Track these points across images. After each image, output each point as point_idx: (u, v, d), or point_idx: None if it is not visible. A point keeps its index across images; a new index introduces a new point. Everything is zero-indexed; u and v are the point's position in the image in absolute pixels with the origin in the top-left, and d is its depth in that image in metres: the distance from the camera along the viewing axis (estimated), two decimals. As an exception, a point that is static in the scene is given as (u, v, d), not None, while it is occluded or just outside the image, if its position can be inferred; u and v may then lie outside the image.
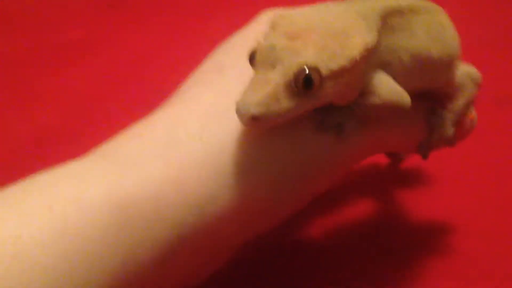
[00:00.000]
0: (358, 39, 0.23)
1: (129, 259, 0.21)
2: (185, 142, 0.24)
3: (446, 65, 0.28)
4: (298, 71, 0.21)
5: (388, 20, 0.25)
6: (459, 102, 0.30)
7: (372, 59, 0.24)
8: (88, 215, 0.21)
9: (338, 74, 0.22)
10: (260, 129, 0.23)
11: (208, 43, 0.33)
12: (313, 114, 0.25)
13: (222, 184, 0.23)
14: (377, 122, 0.27)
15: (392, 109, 0.25)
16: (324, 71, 0.21)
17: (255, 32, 0.29)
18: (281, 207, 0.26)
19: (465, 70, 0.30)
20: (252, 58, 0.23)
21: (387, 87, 0.25)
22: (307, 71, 0.21)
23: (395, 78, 0.25)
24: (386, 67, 0.25)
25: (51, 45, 0.70)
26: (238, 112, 0.21)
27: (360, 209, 0.41)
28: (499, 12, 0.71)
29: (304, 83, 0.21)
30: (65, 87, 0.59)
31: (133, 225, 0.21)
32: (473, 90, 0.30)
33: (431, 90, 0.29)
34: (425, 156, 0.30)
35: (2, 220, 0.20)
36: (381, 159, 0.43)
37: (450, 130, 0.30)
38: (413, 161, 0.42)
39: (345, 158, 0.26)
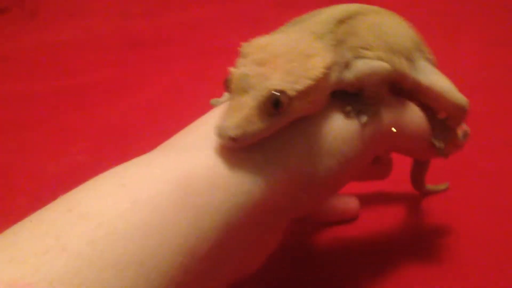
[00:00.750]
0: (318, 59, 0.26)
1: (195, 224, 0.24)
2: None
3: (396, 53, 0.31)
4: (268, 95, 0.24)
5: (340, 31, 0.28)
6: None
7: (338, 63, 0.28)
8: (156, 187, 0.24)
9: (304, 93, 0.25)
10: (238, 147, 0.26)
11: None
12: (340, 105, 0.29)
13: (270, 159, 0.26)
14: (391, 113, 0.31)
15: (377, 77, 0.29)
16: (290, 92, 0.25)
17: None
18: (322, 184, 0.29)
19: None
20: (227, 85, 0.26)
21: (362, 63, 0.29)
22: (275, 94, 0.24)
23: None
24: (351, 61, 0.29)
25: (76, 85, 0.74)
26: (218, 135, 0.24)
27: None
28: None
29: (274, 105, 0.25)
30: (91, 125, 0.62)
31: (195, 195, 0.24)
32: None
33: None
34: (444, 154, 0.33)
35: (86, 198, 0.23)
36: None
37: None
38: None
39: (370, 139, 0.30)
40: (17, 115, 0.66)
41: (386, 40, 0.31)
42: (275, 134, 0.27)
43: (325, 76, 0.26)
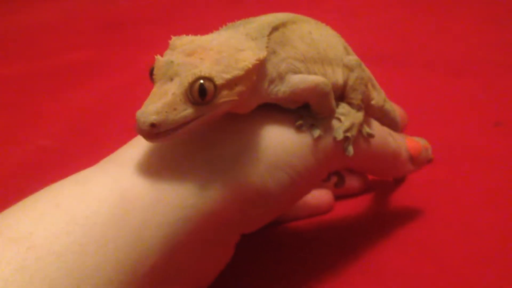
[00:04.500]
0: (249, 53, 0.25)
1: (137, 240, 0.23)
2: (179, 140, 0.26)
3: (328, 62, 0.31)
4: (193, 81, 0.23)
5: (273, 37, 0.28)
6: (346, 90, 0.32)
7: (270, 71, 0.27)
8: (93, 205, 0.23)
9: (232, 83, 0.24)
10: (162, 142, 0.25)
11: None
12: (292, 118, 0.28)
13: (216, 170, 0.26)
14: None
15: (317, 93, 0.28)
16: (217, 80, 0.23)
17: None
18: (272, 199, 0.28)
19: (343, 61, 0.32)
20: (151, 73, 0.25)
21: (299, 78, 0.28)
22: (201, 81, 0.23)
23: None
24: (285, 75, 0.28)
25: (50, 67, 0.71)
26: (138, 121, 0.22)
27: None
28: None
29: (199, 92, 0.23)
30: (64, 109, 0.60)
31: (137, 209, 0.23)
32: (351, 76, 0.32)
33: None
34: (349, 152, 0.30)
35: (17, 220, 0.22)
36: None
37: (357, 116, 0.31)
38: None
39: (323, 153, 0.29)
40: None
41: (318, 49, 0.30)
42: (220, 146, 0.26)
43: (256, 69, 0.26)
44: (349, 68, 0.32)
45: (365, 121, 0.32)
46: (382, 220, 0.40)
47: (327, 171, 0.31)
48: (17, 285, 0.20)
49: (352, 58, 0.32)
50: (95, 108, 0.60)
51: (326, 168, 0.31)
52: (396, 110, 0.38)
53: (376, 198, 0.43)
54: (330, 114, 0.29)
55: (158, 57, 0.24)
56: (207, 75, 0.23)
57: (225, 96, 0.24)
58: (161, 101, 0.23)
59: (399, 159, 0.35)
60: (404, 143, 0.36)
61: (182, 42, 0.25)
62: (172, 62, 0.24)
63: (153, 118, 0.22)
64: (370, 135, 0.32)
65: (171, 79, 0.23)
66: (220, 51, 0.25)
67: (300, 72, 0.28)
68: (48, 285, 0.20)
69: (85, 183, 0.24)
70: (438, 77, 0.62)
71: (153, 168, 0.25)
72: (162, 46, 0.69)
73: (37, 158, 0.50)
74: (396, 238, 0.37)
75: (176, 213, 0.24)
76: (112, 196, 0.23)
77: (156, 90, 0.24)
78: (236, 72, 0.24)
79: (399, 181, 0.44)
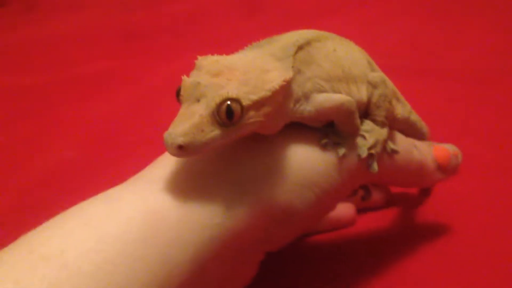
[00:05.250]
0: (276, 73, 0.25)
1: (165, 259, 0.23)
2: (203, 157, 0.27)
3: (353, 80, 0.31)
4: (220, 102, 0.23)
5: (298, 57, 0.28)
6: (370, 107, 0.32)
7: (296, 91, 0.27)
8: (122, 224, 0.23)
9: (258, 104, 0.24)
10: (188, 157, 0.25)
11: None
12: (317, 137, 0.29)
13: (243, 190, 0.26)
14: None
15: (342, 112, 0.28)
16: (244, 101, 0.24)
17: None
18: (297, 217, 0.28)
19: (367, 78, 0.32)
20: (178, 94, 0.25)
21: (324, 97, 0.28)
22: (228, 102, 0.23)
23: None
24: (310, 94, 0.28)
25: (71, 78, 0.72)
26: (166, 142, 0.23)
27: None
28: None
29: (226, 113, 0.23)
30: (85, 120, 0.60)
31: (164, 228, 0.24)
32: (375, 92, 0.32)
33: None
34: (374, 169, 0.31)
35: (48, 239, 0.23)
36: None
37: (381, 133, 0.31)
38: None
39: (348, 171, 0.29)
40: (7, 108, 0.64)
41: (342, 66, 0.30)
42: (247, 166, 0.26)
43: (283, 90, 0.26)
44: (372, 85, 0.32)
45: (390, 136, 0.32)
46: (405, 234, 0.40)
47: (352, 188, 0.31)
48: None
49: (376, 75, 0.32)
50: (116, 117, 0.60)
51: (351, 185, 0.31)
52: (421, 120, 0.38)
53: (399, 212, 0.42)
54: (354, 132, 0.29)
55: (184, 77, 0.25)
56: (234, 96, 0.23)
57: (252, 117, 0.24)
58: (189, 123, 0.23)
59: (425, 170, 0.35)
60: (430, 153, 0.35)
61: (208, 62, 0.25)
62: (198, 83, 0.24)
63: (180, 140, 0.23)
64: (395, 151, 0.32)
65: (198, 100, 0.24)
66: (247, 72, 0.25)
67: (325, 91, 0.29)
68: None
69: (113, 201, 0.25)
70: (456, 85, 0.61)
71: (181, 187, 0.25)
72: (181, 56, 0.70)
73: (60, 168, 0.50)
74: (419, 253, 0.37)
75: (203, 232, 0.24)
76: (141, 215, 0.24)
77: (183, 111, 0.24)
78: (263, 93, 0.24)
79: (425, 194, 0.43)
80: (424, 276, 0.35)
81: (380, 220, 0.41)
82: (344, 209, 0.40)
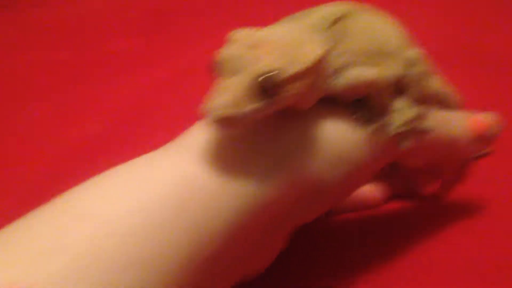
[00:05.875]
0: (313, 46, 0.25)
1: (198, 227, 0.23)
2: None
3: (387, 55, 0.30)
4: (259, 75, 0.23)
5: (334, 30, 0.27)
6: (405, 84, 0.31)
7: (330, 65, 0.27)
8: (157, 189, 0.23)
9: (296, 78, 0.24)
10: (226, 130, 0.25)
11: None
12: (349, 111, 0.29)
13: (277, 162, 0.26)
14: None
15: (374, 87, 0.28)
16: (283, 74, 0.23)
17: None
18: (328, 191, 0.28)
19: (403, 55, 0.31)
20: (213, 68, 0.25)
21: (358, 72, 0.28)
22: (267, 75, 0.23)
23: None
24: (344, 69, 0.28)
25: (98, 55, 0.72)
26: (207, 114, 0.23)
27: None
28: None
29: (265, 86, 0.23)
30: (113, 96, 0.60)
31: (198, 196, 0.24)
32: (411, 70, 0.31)
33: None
34: (404, 146, 0.30)
35: (82, 200, 0.23)
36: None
37: (413, 111, 0.30)
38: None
39: (379, 147, 0.29)
40: (38, 83, 0.65)
41: (377, 41, 0.30)
42: (281, 139, 0.26)
43: (319, 63, 0.25)
44: (410, 62, 0.31)
45: (422, 114, 0.31)
46: (436, 215, 0.39)
47: (381, 165, 0.31)
48: (89, 260, 0.20)
49: (414, 52, 0.31)
50: (144, 95, 0.60)
51: (381, 161, 0.30)
52: (454, 90, 0.37)
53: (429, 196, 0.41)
54: (385, 109, 0.29)
55: (221, 50, 0.25)
56: (273, 68, 0.23)
57: (289, 90, 0.24)
58: (228, 95, 0.23)
59: (458, 143, 0.34)
60: (465, 125, 0.34)
61: (242, 36, 0.25)
62: (235, 55, 0.24)
63: (221, 112, 0.22)
64: (427, 130, 0.31)
65: (236, 73, 0.23)
66: (284, 45, 0.24)
67: (359, 66, 0.28)
68: (116, 262, 0.21)
69: (149, 166, 0.25)
70: (493, 76, 0.60)
71: (216, 155, 0.25)
72: (210, 35, 0.69)
73: (85, 144, 0.50)
74: (450, 235, 0.37)
75: (236, 202, 0.25)
76: (175, 181, 0.24)
77: (221, 84, 0.24)
78: (300, 66, 0.24)
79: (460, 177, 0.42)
80: (453, 258, 0.35)
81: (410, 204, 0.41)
82: (371, 190, 0.40)
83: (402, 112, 0.30)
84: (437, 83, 0.34)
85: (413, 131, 0.30)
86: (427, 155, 0.35)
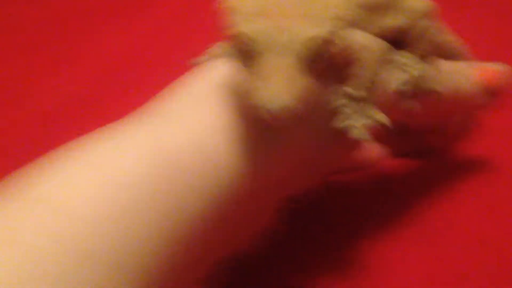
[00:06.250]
0: None
1: (181, 205, 0.21)
2: (219, 90, 0.24)
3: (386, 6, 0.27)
4: (308, 46, 0.20)
5: None
6: (412, 39, 0.28)
7: None
8: (130, 166, 0.21)
9: (338, 37, 0.21)
10: (288, 119, 0.21)
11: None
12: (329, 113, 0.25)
13: (266, 133, 0.23)
14: None
15: (367, 55, 0.25)
16: (326, 36, 0.21)
17: None
18: (323, 161, 0.27)
19: (409, 5, 0.28)
20: (236, 49, 0.21)
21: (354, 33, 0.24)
22: (316, 43, 0.20)
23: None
24: None
25: (85, 5, 0.68)
26: (266, 108, 0.19)
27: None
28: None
29: (318, 56, 0.21)
30: (100, 52, 0.57)
31: (180, 171, 0.21)
32: (420, 24, 0.28)
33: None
34: (409, 105, 0.28)
35: (43, 183, 0.20)
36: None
37: (421, 68, 0.28)
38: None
39: (350, 150, 0.28)
40: (18, 39, 0.61)
41: None
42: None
43: (350, 13, 0.22)
44: (416, 13, 0.28)
45: (427, 73, 0.29)
46: (441, 172, 0.38)
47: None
48: (46, 251, 0.18)
49: (420, 3, 0.28)
50: (133, 50, 0.57)
51: None
52: (457, 39, 0.34)
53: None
54: (371, 90, 0.25)
55: (240, 29, 0.21)
56: (316, 35, 0.20)
57: (334, 54, 0.21)
58: (281, 79, 0.20)
59: (466, 95, 0.32)
60: (472, 75, 0.32)
61: (243, 3, 0.22)
62: (262, 31, 0.20)
63: (284, 101, 0.19)
64: (433, 91, 0.29)
65: (272, 51, 0.20)
66: (302, 3, 0.21)
67: (357, 24, 0.25)
68: (82, 251, 0.18)
69: (119, 139, 0.22)
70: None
71: (196, 127, 0.23)
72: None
73: (68, 106, 0.48)
74: (455, 194, 0.35)
75: (221, 176, 0.22)
76: (152, 155, 0.21)
77: (263, 67, 0.20)
78: (339, 22, 0.21)
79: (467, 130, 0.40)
80: (462, 220, 0.34)
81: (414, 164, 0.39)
82: (370, 149, 0.38)
83: (409, 68, 0.27)
84: (444, 36, 0.32)
85: (417, 90, 0.28)
86: (433, 110, 0.32)
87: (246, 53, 0.21)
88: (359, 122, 0.25)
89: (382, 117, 0.25)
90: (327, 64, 0.21)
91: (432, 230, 0.33)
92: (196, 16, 0.62)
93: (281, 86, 0.20)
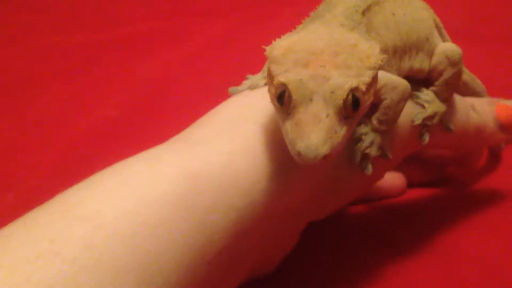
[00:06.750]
0: (365, 46, 0.23)
1: (205, 223, 0.22)
2: (251, 117, 0.25)
3: (413, 48, 0.29)
4: (346, 96, 0.21)
5: (363, 21, 0.25)
6: (439, 81, 0.30)
7: None
8: (163, 186, 0.22)
9: (372, 83, 0.22)
10: (326, 164, 0.22)
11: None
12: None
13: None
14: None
15: (395, 94, 0.26)
16: (362, 87, 0.22)
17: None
18: (345, 184, 0.27)
19: (441, 49, 0.30)
20: (281, 98, 0.22)
21: (381, 74, 0.25)
22: (353, 94, 0.21)
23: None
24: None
25: (118, 37, 0.71)
26: (305, 156, 0.21)
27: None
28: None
29: (353, 105, 0.21)
30: (131, 80, 0.59)
31: (207, 191, 0.22)
32: (450, 70, 0.30)
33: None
34: (424, 140, 0.29)
35: (84, 198, 0.22)
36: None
37: (441, 107, 0.29)
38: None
39: (399, 139, 0.28)
40: (54, 66, 0.64)
41: (401, 34, 0.28)
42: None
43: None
44: (449, 62, 0.29)
45: (447, 112, 0.30)
46: (459, 204, 0.38)
47: (402, 156, 0.30)
48: (85, 264, 0.19)
49: (455, 51, 0.30)
50: (162, 78, 0.59)
51: (401, 153, 0.29)
52: (475, 78, 0.36)
53: (455, 184, 0.40)
54: (394, 121, 0.27)
55: (284, 79, 0.22)
56: (355, 85, 0.21)
57: (368, 100, 0.22)
58: (322, 128, 0.21)
59: (484, 133, 0.33)
60: (491, 113, 0.33)
61: (282, 52, 0.23)
62: (301, 80, 0.21)
63: (324, 150, 0.21)
64: (449, 129, 0.30)
65: (311, 99, 0.21)
66: (336, 53, 0.22)
67: (383, 66, 0.26)
68: (115, 266, 0.20)
69: (154, 162, 0.23)
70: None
71: (225, 149, 0.24)
72: (224, 16, 0.68)
73: (103, 128, 0.50)
74: (472, 224, 0.36)
75: (245, 197, 0.23)
76: (182, 177, 0.23)
77: (302, 116, 0.21)
78: (371, 72, 0.22)
79: (495, 161, 0.41)
80: (476, 247, 0.34)
81: (431, 190, 0.40)
82: (393, 179, 0.39)
83: (430, 105, 0.29)
84: (466, 75, 0.33)
85: (436, 126, 0.29)
86: (453, 146, 0.34)
87: (287, 101, 0.22)
88: (374, 152, 0.26)
89: (390, 153, 0.27)
90: (361, 109, 0.22)
91: (447, 256, 0.33)
92: (232, 47, 0.65)
93: (320, 138, 0.21)
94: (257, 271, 0.28)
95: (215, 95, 0.29)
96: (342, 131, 0.21)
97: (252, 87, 0.28)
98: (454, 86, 0.30)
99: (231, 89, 0.29)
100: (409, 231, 0.36)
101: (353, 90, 0.21)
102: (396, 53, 0.27)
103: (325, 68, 0.22)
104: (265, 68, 0.29)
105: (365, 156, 0.26)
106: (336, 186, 0.27)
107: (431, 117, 0.29)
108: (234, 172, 0.23)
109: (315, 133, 0.21)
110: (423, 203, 0.39)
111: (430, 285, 0.31)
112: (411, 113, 0.28)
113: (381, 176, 0.30)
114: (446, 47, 0.30)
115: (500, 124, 0.33)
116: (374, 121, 0.26)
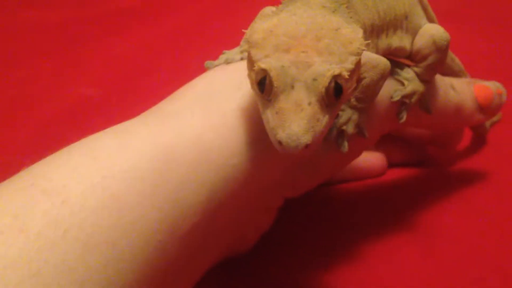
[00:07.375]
0: (348, 31, 0.22)
1: (176, 199, 0.22)
2: (224, 91, 0.25)
3: (393, 27, 0.28)
4: (329, 84, 0.20)
5: (342, 2, 0.24)
6: (422, 63, 0.29)
7: None
8: (132, 159, 0.21)
9: (354, 71, 0.22)
10: (309, 154, 0.21)
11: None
12: None
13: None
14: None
15: (375, 72, 0.25)
16: (345, 74, 0.21)
17: None
18: (320, 160, 0.27)
19: (429, 33, 0.29)
20: (262, 84, 0.21)
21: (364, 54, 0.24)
22: (335, 81, 0.20)
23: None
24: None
25: (95, 14, 0.69)
26: (287, 145, 0.20)
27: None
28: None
29: (336, 92, 0.21)
30: (109, 57, 0.58)
31: (178, 167, 0.22)
32: (435, 55, 0.29)
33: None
34: (401, 117, 0.29)
35: (51, 172, 0.21)
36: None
37: (420, 86, 0.29)
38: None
39: (376, 115, 0.28)
40: (31, 43, 0.62)
41: (378, 13, 0.27)
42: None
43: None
44: (436, 47, 0.29)
45: (425, 92, 0.30)
46: (439, 184, 0.38)
47: (379, 134, 0.29)
48: (50, 239, 0.19)
49: (443, 37, 0.29)
50: (140, 56, 0.58)
51: (378, 130, 0.29)
52: (455, 58, 0.36)
53: (435, 164, 0.40)
54: (372, 99, 0.26)
55: (264, 65, 0.21)
56: (338, 72, 0.20)
57: (350, 87, 0.21)
58: (302, 117, 0.20)
59: (463, 112, 0.33)
60: (470, 93, 0.33)
61: (262, 35, 0.22)
62: (282, 67, 0.20)
63: (306, 139, 0.20)
64: (428, 110, 0.30)
65: (292, 87, 0.20)
66: (319, 38, 0.21)
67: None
68: (82, 241, 0.19)
69: (124, 135, 0.23)
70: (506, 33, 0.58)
71: (198, 123, 0.23)
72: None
73: (78, 106, 0.49)
74: (453, 204, 0.36)
75: (218, 172, 0.23)
76: (153, 151, 0.22)
77: (283, 104, 0.20)
78: (354, 58, 0.21)
79: (479, 141, 0.41)
80: (455, 226, 0.34)
81: (411, 171, 0.40)
82: (374, 158, 0.39)
83: (410, 83, 0.29)
84: (447, 59, 0.33)
85: (414, 105, 0.29)
86: (432, 125, 0.34)
87: (268, 88, 0.21)
88: (350, 129, 0.26)
89: (366, 131, 0.26)
90: (344, 96, 0.21)
91: (427, 235, 0.34)
92: (210, 24, 0.64)
93: (302, 127, 0.20)
94: (234, 249, 0.28)
95: (193, 71, 0.29)
96: (324, 119, 0.21)
97: (228, 61, 0.28)
98: (436, 70, 0.30)
99: (207, 63, 0.28)
100: (389, 211, 0.36)
101: (336, 77, 0.20)
102: (373, 32, 0.27)
103: (307, 53, 0.21)
104: (242, 43, 0.28)
105: (341, 133, 0.26)
106: (311, 163, 0.26)
107: (409, 95, 0.28)
108: (206, 146, 0.23)
109: (297, 122, 0.20)
110: (403, 183, 0.39)
111: (410, 265, 0.31)
112: (389, 90, 0.28)
113: (358, 154, 0.30)
114: (433, 31, 0.29)
115: (478, 105, 0.33)
116: (352, 98, 0.25)
